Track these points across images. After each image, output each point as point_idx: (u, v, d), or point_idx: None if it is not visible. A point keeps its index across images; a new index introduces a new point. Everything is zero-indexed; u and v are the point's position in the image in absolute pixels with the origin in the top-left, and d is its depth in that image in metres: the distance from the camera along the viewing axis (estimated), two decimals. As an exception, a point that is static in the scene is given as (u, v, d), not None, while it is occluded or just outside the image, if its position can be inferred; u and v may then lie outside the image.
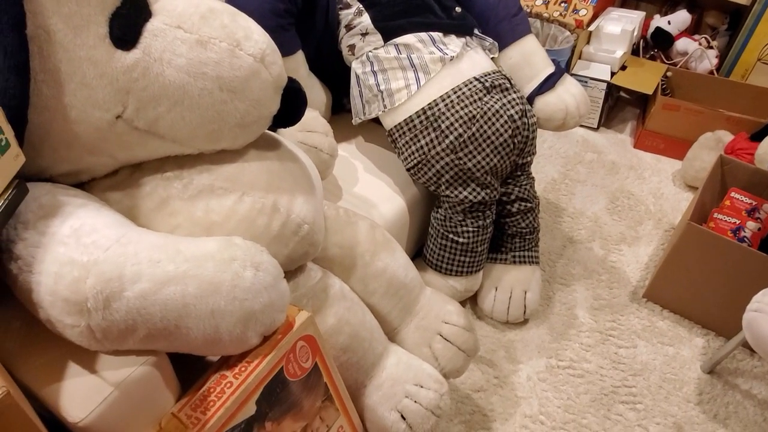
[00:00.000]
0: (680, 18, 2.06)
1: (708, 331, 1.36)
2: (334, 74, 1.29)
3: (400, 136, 1.17)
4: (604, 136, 2.01)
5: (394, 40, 1.16)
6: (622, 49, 1.94)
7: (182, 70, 0.70)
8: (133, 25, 0.68)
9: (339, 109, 1.37)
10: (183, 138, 0.75)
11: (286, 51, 1.15)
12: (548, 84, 1.25)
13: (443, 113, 1.12)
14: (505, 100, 1.15)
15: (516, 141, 1.17)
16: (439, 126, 1.12)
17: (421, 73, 1.13)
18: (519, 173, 1.27)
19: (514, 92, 1.17)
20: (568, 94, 1.25)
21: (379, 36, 1.17)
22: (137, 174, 0.78)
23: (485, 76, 1.16)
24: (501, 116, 1.13)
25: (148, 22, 0.69)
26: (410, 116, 1.14)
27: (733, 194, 1.45)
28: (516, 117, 1.15)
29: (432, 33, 1.17)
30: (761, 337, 0.92)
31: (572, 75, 1.95)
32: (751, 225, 1.36)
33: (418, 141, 1.15)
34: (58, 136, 0.67)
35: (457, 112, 1.11)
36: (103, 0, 0.65)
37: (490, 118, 1.12)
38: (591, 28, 1.93)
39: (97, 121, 0.68)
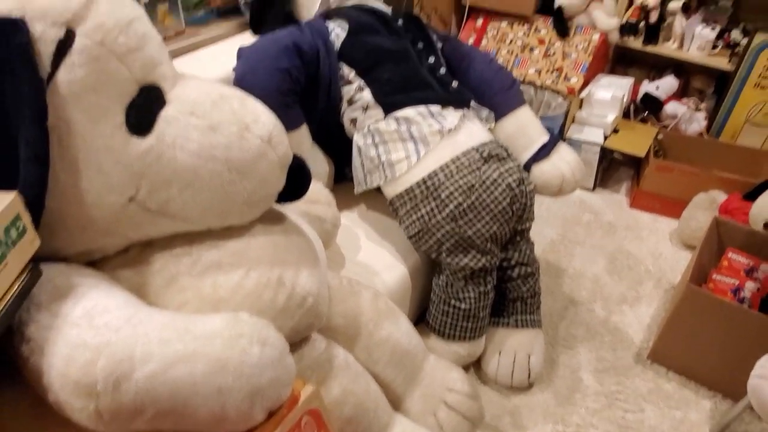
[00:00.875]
0: (668, 83, 2.15)
1: (715, 393, 1.35)
2: (337, 145, 1.34)
3: (401, 205, 1.20)
4: (601, 197, 2.05)
5: (395, 113, 1.21)
6: (614, 114, 2.01)
7: (194, 154, 0.73)
8: (149, 114, 0.72)
9: (341, 178, 1.41)
10: (193, 217, 0.78)
11: (290, 126, 1.20)
12: (543, 152, 1.30)
13: (443, 183, 1.15)
14: (502, 169, 1.19)
15: (515, 208, 1.20)
16: (439, 195, 1.15)
17: (420, 145, 1.18)
18: (518, 239, 1.29)
19: (511, 161, 1.21)
20: (563, 161, 1.30)
21: (380, 110, 1.22)
22: (147, 251, 0.80)
23: (482, 146, 1.20)
24: (499, 185, 1.17)
25: (163, 110, 0.73)
26: (411, 186, 1.18)
27: (730, 254, 1.47)
28: (514, 185, 1.18)
29: (430, 106, 1.22)
30: (767, 404, 0.91)
31: (567, 139, 2.02)
32: (750, 285, 1.37)
33: (419, 210, 1.18)
34: (74, 219, 0.70)
35: (456, 181, 1.15)
36: (121, 91, 0.69)
37: (488, 187, 1.16)
38: (582, 95, 2.00)
39: (112, 204, 0.71)
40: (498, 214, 1.17)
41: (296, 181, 0.86)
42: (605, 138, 1.99)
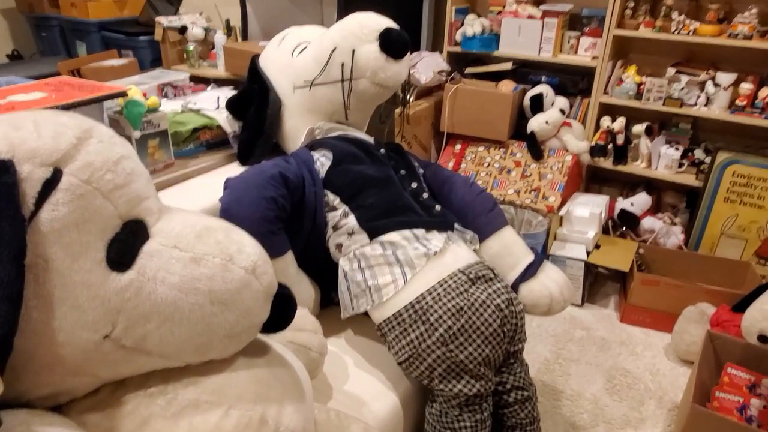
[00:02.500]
0: (641, 200, 2.23)
1: None
2: (323, 270, 1.33)
3: (389, 330, 1.17)
4: (590, 312, 2.03)
5: (380, 238, 1.22)
6: (594, 230, 2.05)
7: (175, 287, 0.71)
8: (131, 249, 0.71)
9: (327, 302, 1.38)
10: (171, 353, 0.74)
11: (275, 253, 1.20)
12: (530, 271, 1.30)
13: (431, 306, 1.13)
14: (490, 290, 1.18)
15: (506, 330, 1.17)
16: (428, 319, 1.13)
17: (406, 268, 1.17)
18: (512, 361, 1.25)
19: (498, 282, 1.21)
20: (550, 280, 1.29)
21: (365, 235, 1.23)
22: (119, 392, 0.75)
23: (469, 267, 1.20)
24: (488, 306, 1.15)
25: (145, 244, 0.72)
26: (399, 311, 1.15)
27: (729, 370, 1.43)
28: (503, 306, 1.17)
29: (415, 230, 1.23)
30: None
31: (550, 256, 2.04)
32: (755, 403, 1.32)
33: (408, 335, 1.14)
34: (42, 359, 0.66)
35: (444, 304, 1.13)
36: (104, 227, 0.69)
37: (477, 309, 1.14)
38: (561, 213, 2.06)
39: (85, 342, 0.67)
40: (489, 336, 1.14)
41: (281, 311, 0.84)
42: (588, 254, 2.02)
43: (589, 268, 2.02)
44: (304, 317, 1.15)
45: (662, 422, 1.54)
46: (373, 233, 1.23)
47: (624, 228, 2.25)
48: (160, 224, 0.76)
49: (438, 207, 1.32)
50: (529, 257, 1.32)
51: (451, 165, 2.31)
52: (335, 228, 1.28)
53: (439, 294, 1.14)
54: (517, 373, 1.25)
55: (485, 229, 1.34)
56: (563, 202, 2.12)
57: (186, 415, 0.74)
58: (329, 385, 1.17)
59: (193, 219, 0.80)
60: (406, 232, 1.22)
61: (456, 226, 1.32)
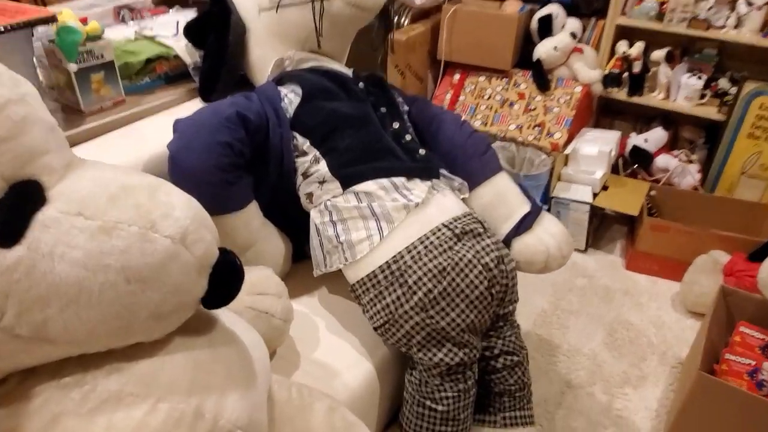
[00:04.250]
0: (656, 135, 2.04)
1: (740, 497, 1.16)
2: (294, 220, 1.19)
3: (363, 292, 1.04)
4: (594, 259, 1.90)
5: (354, 187, 1.07)
6: (602, 170, 1.88)
7: (78, 264, 0.58)
8: (18, 218, 0.57)
9: (301, 256, 1.26)
10: (81, 340, 0.62)
11: (233, 206, 1.06)
12: (525, 224, 1.15)
13: (410, 267, 1.00)
14: (478, 247, 1.04)
15: (494, 292, 1.04)
16: (406, 281, 1.00)
17: (383, 223, 1.03)
18: (501, 324, 1.13)
19: (488, 237, 1.06)
20: (547, 234, 1.15)
21: (337, 183, 1.08)
22: (29, 381, 0.63)
23: (455, 221, 1.05)
24: (475, 266, 1.01)
25: (39, 212, 0.58)
26: (373, 271, 1.02)
27: (742, 329, 1.31)
28: (492, 265, 1.03)
29: (394, 178, 1.08)
30: None
31: (553, 198, 1.88)
32: (768, 367, 1.20)
33: (384, 299, 1.02)
34: None
35: (425, 264, 1.00)
36: (-23, 193, 0.54)
37: (462, 270, 1.00)
38: (567, 151, 1.89)
39: (-44, 339, 0.54)
40: (475, 300, 1.01)
41: (224, 283, 0.70)
42: (594, 196, 1.86)
43: (595, 212, 1.87)
44: (268, 279, 1.03)
45: (664, 380, 1.44)
46: (346, 182, 1.08)
47: (635, 167, 2.07)
48: (62, 185, 0.61)
49: (422, 151, 1.15)
50: (525, 207, 1.17)
51: (448, 97, 2.11)
52: (305, 175, 1.12)
53: (419, 252, 1.00)
54: (507, 337, 1.13)
55: (476, 175, 1.18)
56: (570, 139, 1.93)
57: (105, 410, 0.62)
58: (297, 352, 1.06)
59: (109, 176, 0.65)
60: (384, 181, 1.07)
61: (443, 172, 1.16)
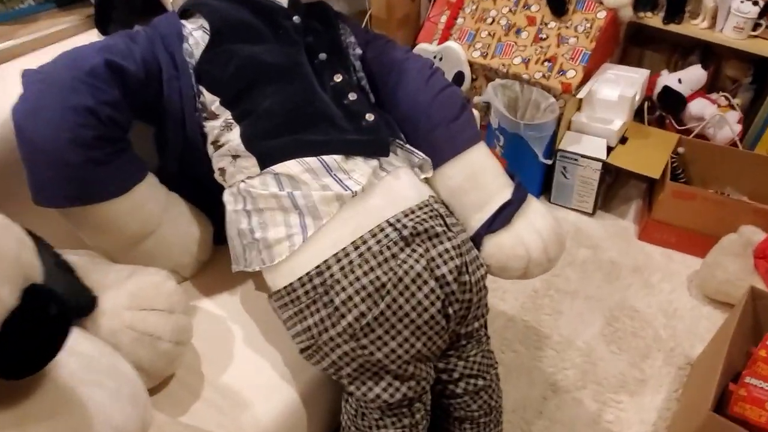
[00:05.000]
0: (693, 75, 1.68)
1: None
2: (214, 193, 0.93)
3: (281, 307, 0.81)
4: (602, 224, 1.63)
5: (273, 167, 0.80)
6: (621, 119, 1.56)
7: None
8: None
9: (224, 239, 1.01)
10: None
11: (107, 192, 0.79)
12: (503, 217, 0.87)
13: (338, 282, 0.75)
14: (434, 253, 0.78)
15: (452, 311, 0.79)
16: (332, 301, 0.75)
17: (308, 219, 0.77)
18: (464, 342, 0.89)
19: (449, 239, 0.80)
20: (531, 231, 0.88)
21: (253, 160, 0.81)
22: None
23: (406, 217, 0.79)
24: (425, 281, 0.76)
25: None
26: (291, 284, 0.77)
27: (772, 342, 1.06)
28: (450, 278, 0.78)
29: (326, 157, 0.80)
30: None
31: (559, 151, 1.58)
32: (800, 398, 0.96)
33: (305, 320, 0.78)
34: None
35: (358, 279, 0.75)
36: None
37: (407, 287, 0.75)
38: (581, 95, 1.55)
39: None
40: (423, 325, 0.77)
41: (25, 344, 0.48)
42: (609, 150, 1.55)
43: (608, 169, 1.57)
44: (156, 288, 0.79)
45: (667, 385, 1.22)
46: (264, 159, 0.81)
47: (660, 113, 1.73)
48: None
49: (370, 116, 0.86)
50: (504, 194, 0.89)
51: (443, 20, 1.75)
52: (216, 145, 0.85)
53: (351, 262, 0.75)
54: (471, 358, 0.90)
55: (444, 148, 0.90)
56: (585, 79, 1.59)
57: None
58: (200, 374, 0.84)
59: None
60: (312, 161, 0.79)
61: (399, 143, 0.88)
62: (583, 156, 1.54)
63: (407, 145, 0.89)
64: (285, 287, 0.78)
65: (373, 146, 0.83)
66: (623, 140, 1.60)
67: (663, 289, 1.43)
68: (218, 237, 1.00)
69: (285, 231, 0.78)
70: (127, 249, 0.88)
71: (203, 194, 0.95)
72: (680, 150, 1.58)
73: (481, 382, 0.91)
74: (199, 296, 0.96)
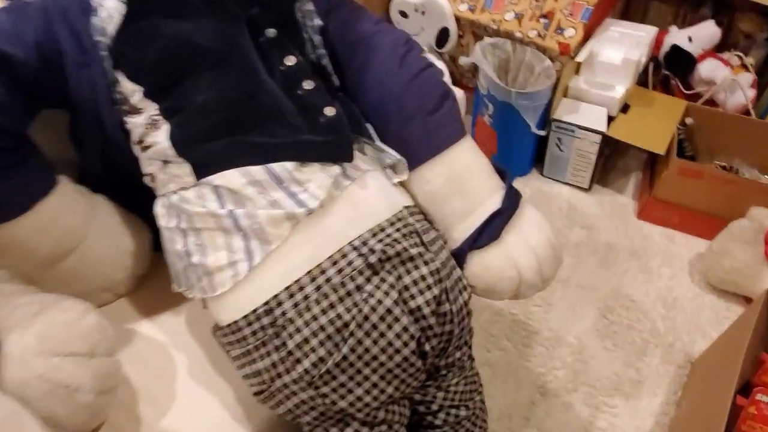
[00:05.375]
0: (706, 33, 1.51)
1: None
2: (151, 193, 0.78)
3: (226, 344, 0.68)
4: (598, 201, 1.50)
5: (210, 178, 0.65)
6: (625, 85, 1.40)
7: None
8: None
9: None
10: None
11: (2, 213, 0.64)
12: (491, 230, 0.73)
13: (291, 321, 0.62)
14: (407, 281, 0.65)
15: (429, 348, 0.67)
16: (284, 344, 0.62)
17: (254, 242, 0.63)
18: (444, 372, 0.77)
19: (426, 262, 0.66)
20: (523, 247, 0.74)
21: (187, 168, 0.66)
22: None
23: (373, 237, 0.65)
24: (396, 318, 0.63)
25: None
26: (236, 322, 0.64)
27: (785, 352, 0.96)
28: (427, 310, 0.65)
29: (275, 165, 0.65)
30: None
31: (554, 121, 1.42)
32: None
33: (254, 362, 0.65)
34: None
35: (315, 318, 0.62)
36: None
37: (376, 326, 0.62)
38: (581, 57, 1.38)
39: None
40: (395, 368, 0.65)
41: None
42: (610, 120, 1.40)
43: (608, 141, 1.42)
44: (72, 326, 0.65)
45: (665, 387, 1.13)
46: (200, 167, 0.65)
47: (670, 74, 1.57)
48: None
49: (329, 110, 0.70)
50: (493, 200, 0.75)
51: (428, -33, 1.54)
52: (142, 146, 0.69)
53: (306, 297, 0.62)
54: (452, 387, 0.78)
55: (420, 145, 0.74)
56: (587, 37, 1.42)
57: None
58: (136, 417, 0.72)
59: None
60: (258, 170, 0.64)
61: (366, 141, 0.73)
62: (580, 127, 1.39)
63: (377, 143, 0.74)
64: (229, 325, 0.65)
65: (334, 149, 0.68)
66: (625, 108, 1.44)
67: (662, 274, 1.32)
68: (158, 244, 0.85)
69: (227, 257, 0.64)
70: (44, 270, 0.74)
71: (136, 194, 0.79)
72: (688, 121, 1.43)
73: (463, 413, 0.80)
74: (137, 317, 0.82)
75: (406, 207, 0.71)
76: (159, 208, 0.70)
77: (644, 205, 1.43)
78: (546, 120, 1.43)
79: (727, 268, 1.21)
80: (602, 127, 1.38)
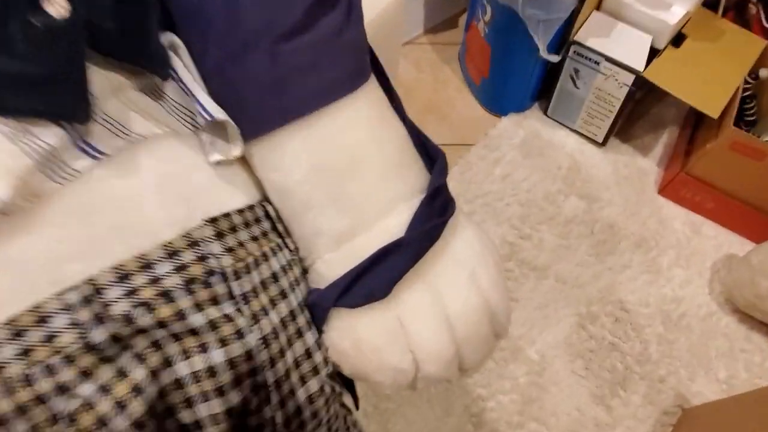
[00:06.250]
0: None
1: None
2: None
3: None
4: (612, 161, 1.13)
5: None
6: (686, 4, 0.97)
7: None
8: None
9: None
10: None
11: None
12: (374, 281, 0.39)
13: None
14: (172, 378, 0.33)
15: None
16: None
17: None
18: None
19: (223, 341, 0.34)
20: (430, 317, 0.40)
21: None
22: None
23: (116, 284, 0.32)
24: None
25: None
26: None
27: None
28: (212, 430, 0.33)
29: None
30: None
31: (573, 46, 1.01)
32: None
33: None
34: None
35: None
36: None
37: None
38: (631, -47, 0.94)
39: None
40: None
41: None
42: (653, 54, 0.99)
43: (640, 84, 1.02)
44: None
45: (641, 437, 0.85)
46: None
47: (753, 1, 1.12)
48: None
49: (58, 3, 0.33)
50: (392, 221, 0.40)
51: None
52: None
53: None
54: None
55: (264, 99, 0.38)
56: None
57: None
58: None
59: None
60: None
61: (162, 74, 0.37)
62: (608, 59, 0.99)
63: (184, 81, 0.38)
64: None
65: (54, 91, 0.32)
66: (678, 39, 1.02)
67: (673, 277, 0.99)
68: None
69: None
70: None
71: None
72: (762, 73, 1.02)
73: None
74: None
75: (212, 221, 0.36)
76: None
77: (671, 178, 1.06)
78: (562, 41, 1.02)
79: (763, 292, 0.88)
80: (640, 64, 0.97)
